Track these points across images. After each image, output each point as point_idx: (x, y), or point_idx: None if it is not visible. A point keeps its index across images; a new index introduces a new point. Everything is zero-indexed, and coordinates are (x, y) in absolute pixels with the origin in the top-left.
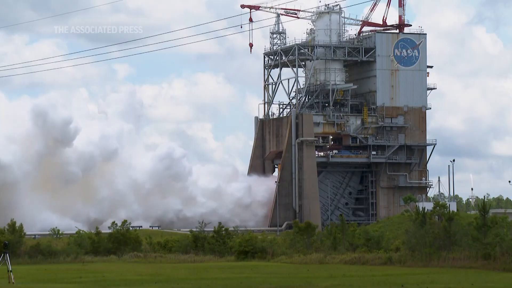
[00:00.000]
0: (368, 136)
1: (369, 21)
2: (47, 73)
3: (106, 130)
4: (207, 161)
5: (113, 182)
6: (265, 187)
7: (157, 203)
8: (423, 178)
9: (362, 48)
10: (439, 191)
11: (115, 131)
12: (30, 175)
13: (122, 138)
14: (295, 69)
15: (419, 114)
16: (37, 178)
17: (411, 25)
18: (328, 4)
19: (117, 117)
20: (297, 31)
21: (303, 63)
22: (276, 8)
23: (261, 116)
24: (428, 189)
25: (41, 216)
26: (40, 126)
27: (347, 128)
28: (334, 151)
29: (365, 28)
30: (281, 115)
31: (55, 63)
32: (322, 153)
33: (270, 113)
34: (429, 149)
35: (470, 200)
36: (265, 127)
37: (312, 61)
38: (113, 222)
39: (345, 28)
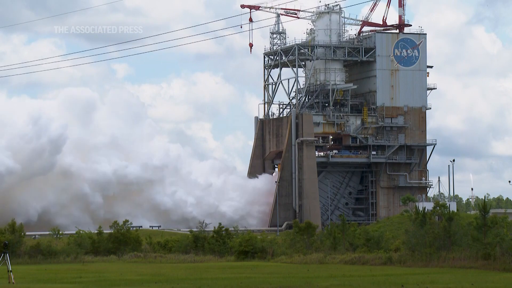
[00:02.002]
0: (368, 136)
1: (369, 21)
2: (45, 73)
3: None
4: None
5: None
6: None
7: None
8: (423, 178)
9: (362, 48)
10: (439, 191)
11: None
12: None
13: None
14: (295, 69)
15: (419, 114)
16: None
17: (411, 25)
18: (328, 4)
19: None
20: (297, 31)
21: (303, 63)
22: (276, 8)
23: (261, 116)
24: (428, 189)
25: None
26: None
27: (347, 128)
28: (334, 151)
29: (365, 28)
30: (281, 115)
31: (54, 63)
32: (322, 153)
33: (270, 113)
34: (429, 149)
35: (470, 200)
36: (265, 127)
37: (312, 61)
38: (115, 222)
39: (345, 28)
